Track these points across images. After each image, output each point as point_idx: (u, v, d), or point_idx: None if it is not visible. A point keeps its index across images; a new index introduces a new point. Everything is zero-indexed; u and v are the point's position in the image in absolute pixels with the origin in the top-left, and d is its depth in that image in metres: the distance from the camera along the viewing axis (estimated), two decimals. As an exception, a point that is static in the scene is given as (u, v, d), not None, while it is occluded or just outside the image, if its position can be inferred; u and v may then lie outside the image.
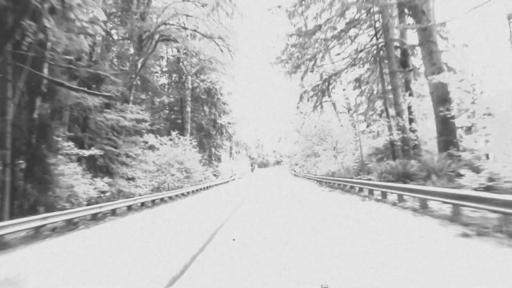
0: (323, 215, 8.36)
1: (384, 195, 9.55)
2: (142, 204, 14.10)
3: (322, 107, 26.05)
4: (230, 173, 46.54)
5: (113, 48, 26.56)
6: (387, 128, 19.86)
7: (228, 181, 39.05)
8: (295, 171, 43.28)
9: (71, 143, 14.84)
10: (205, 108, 38.46)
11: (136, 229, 8.50)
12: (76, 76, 17.66)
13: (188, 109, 30.74)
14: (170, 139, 27.09)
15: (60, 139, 14.32)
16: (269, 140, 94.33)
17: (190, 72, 31.52)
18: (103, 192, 16.02)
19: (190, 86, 31.29)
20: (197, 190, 23.59)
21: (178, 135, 27.80)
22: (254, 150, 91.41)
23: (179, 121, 37.10)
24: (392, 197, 9.39)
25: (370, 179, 16.03)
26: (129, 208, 12.94)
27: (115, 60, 27.27)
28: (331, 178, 18.41)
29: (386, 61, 20.75)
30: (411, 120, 18.99)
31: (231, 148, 65.16)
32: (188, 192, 21.27)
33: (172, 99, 36.81)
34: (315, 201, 11.38)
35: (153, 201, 15.23)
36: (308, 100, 23.80)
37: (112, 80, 22.88)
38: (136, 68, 22.54)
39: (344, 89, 33.34)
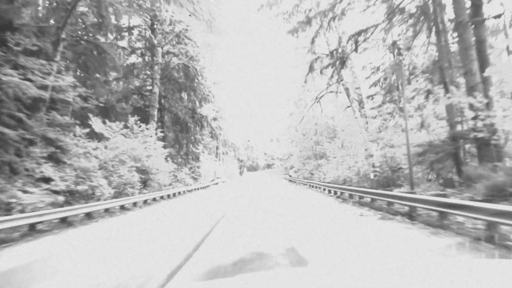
0: None
1: None
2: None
3: (339, 82, 18.80)
4: (212, 176, 39.06)
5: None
6: (447, 113, 12.80)
7: (208, 186, 31.59)
8: (290, 175, 36.01)
9: None
10: (183, 94, 30.95)
11: None
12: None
13: (156, 89, 23.24)
14: (127, 127, 19.64)
15: None
16: (260, 142, 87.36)
17: (161, 42, 24.09)
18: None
19: (161, 61, 23.84)
20: (154, 199, 16.13)
21: (138, 122, 20.33)
22: (243, 152, 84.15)
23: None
24: None
25: (413, 192, 8.94)
26: None
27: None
28: (369, 190, 10.99)
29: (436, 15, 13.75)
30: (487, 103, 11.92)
31: (217, 148, 57.80)
32: (135, 204, 13.78)
33: (139, 82, 29.33)
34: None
35: (33, 226, 7.71)
36: (321, 72, 16.61)
37: (36, 33, 15.77)
38: (68, 12, 15.01)
39: (353, 75, 26.37)
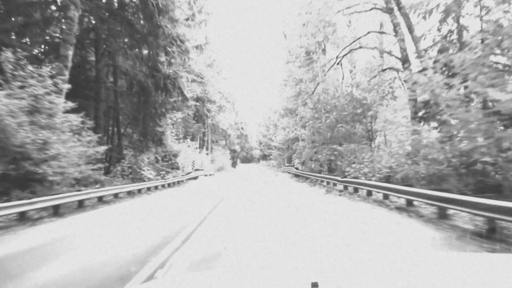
0: None
1: None
2: None
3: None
4: (190, 168, 28.99)
5: None
6: None
7: (181, 182, 21.58)
8: (297, 169, 26.04)
9: None
10: (144, 49, 20.51)
11: None
12: None
13: (74, 13, 12.89)
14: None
15: None
16: (254, 129, 77.59)
17: None
18: None
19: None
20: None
21: (25, 61, 10.19)
22: (236, 141, 73.99)
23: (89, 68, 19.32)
24: None
25: None
26: None
27: None
28: None
29: None
30: None
31: (204, 134, 47.64)
32: None
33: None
34: None
35: None
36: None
37: None
38: None
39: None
